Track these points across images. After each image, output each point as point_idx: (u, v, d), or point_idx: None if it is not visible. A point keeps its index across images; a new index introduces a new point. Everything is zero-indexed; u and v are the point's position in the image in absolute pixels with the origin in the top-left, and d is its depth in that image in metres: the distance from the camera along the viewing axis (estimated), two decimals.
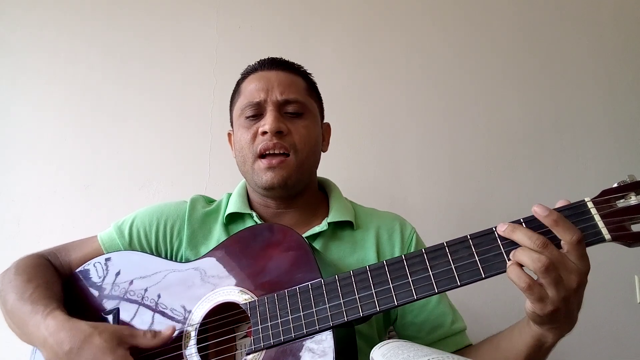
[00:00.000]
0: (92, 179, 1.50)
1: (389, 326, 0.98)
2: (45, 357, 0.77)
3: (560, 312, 0.64)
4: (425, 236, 1.03)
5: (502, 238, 0.68)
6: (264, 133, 0.91)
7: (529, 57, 1.64)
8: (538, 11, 1.67)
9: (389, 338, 0.98)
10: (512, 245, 0.67)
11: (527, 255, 0.63)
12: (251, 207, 0.99)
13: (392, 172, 1.54)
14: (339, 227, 0.97)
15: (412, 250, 0.96)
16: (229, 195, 1.03)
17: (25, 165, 1.50)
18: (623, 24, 1.67)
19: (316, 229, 0.94)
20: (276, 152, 0.90)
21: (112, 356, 0.72)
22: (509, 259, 0.66)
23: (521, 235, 0.65)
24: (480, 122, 1.58)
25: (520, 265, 0.64)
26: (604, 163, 1.56)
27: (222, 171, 1.50)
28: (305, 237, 0.90)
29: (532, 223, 0.67)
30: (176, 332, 0.80)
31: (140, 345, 0.75)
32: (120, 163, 1.51)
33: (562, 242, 0.63)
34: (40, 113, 1.54)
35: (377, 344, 0.68)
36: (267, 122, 0.91)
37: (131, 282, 0.87)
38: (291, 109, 0.94)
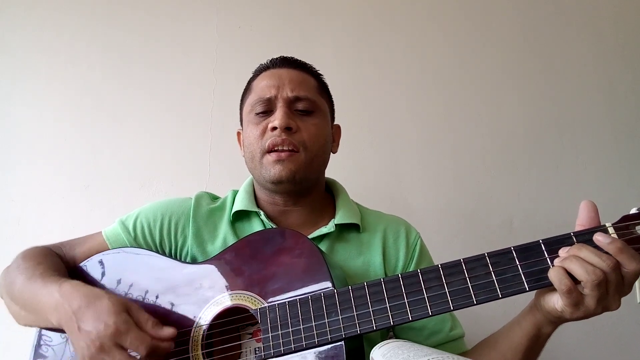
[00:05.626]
0: (92, 179, 1.49)
1: (390, 329, 0.98)
2: (56, 320, 0.77)
3: (584, 319, 0.67)
4: (425, 237, 1.03)
5: (520, 258, 0.68)
6: (274, 128, 0.90)
7: (529, 57, 1.64)
8: (538, 12, 1.67)
9: (389, 339, 0.98)
10: (530, 267, 0.67)
11: (581, 266, 0.63)
12: (258, 205, 0.98)
13: (392, 173, 1.54)
14: (345, 229, 0.96)
15: (416, 255, 0.96)
16: (234, 192, 1.02)
17: (25, 165, 1.50)
18: (623, 24, 1.67)
19: (323, 230, 0.94)
20: (285, 148, 0.89)
21: (115, 317, 0.72)
22: (552, 265, 0.67)
23: (588, 254, 0.64)
24: (480, 122, 1.58)
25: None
26: (604, 163, 1.56)
27: (222, 171, 1.50)
28: (312, 238, 0.90)
29: (581, 237, 0.67)
30: (183, 335, 0.80)
31: (139, 325, 0.74)
32: (120, 163, 1.51)
33: (622, 269, 0.64)
34: (40, 113, 1.53)
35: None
36: (277, 118, 0.90)
37: (136, 281, 0.87)
38: (301, 106, 0.94)
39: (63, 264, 0.91)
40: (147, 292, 0.85)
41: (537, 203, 1.51)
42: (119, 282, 0.88)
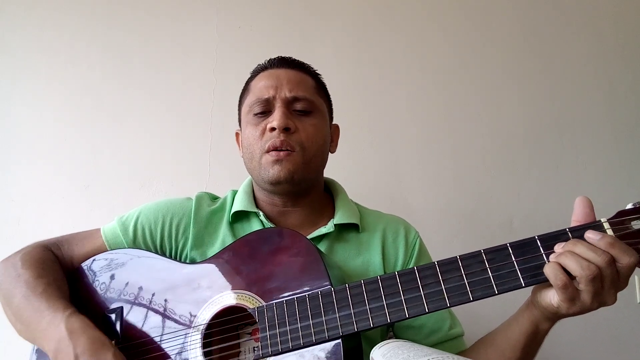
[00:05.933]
0: (92, 179, 1.49)
1: (390, 328, 0.98)
2: (52, 353, 0.76)
3: (580, 314, 0.67)
4: (425, 237, 1.03)
5: (516, 254, 0.68)
6: (272, 129, 0.90)
7: (529, 57, 1.64)
8: (538, 12, 1.67)
9: (388, 338, 0.98)
10: (526, 263, 0.67)
11: (576, 261, 0.63)
12: (257, 205, 0.98)
13: (392, 173, 1.54)
14: (344, 228, 0.96)
15: (415, 255, 0.97)
16: (234, 192, 1.02)
17: (25, 165, 1.50)
18: (623, 24, 1.67)
19: (322, 230, 0.94)
20: (283, 149, 0.90)
21: None
22: (547, 261, 0.66)
23: (583, 249, 0.64)
24: (480, 122, 1.58)
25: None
26: (604, 163, 1.56)
27: (222, 171, 1.50)
28: (311, 238, 0.90)
29: (577, 232, 0.67)
30: (182, 335, 0.80)
31: None
32: (120, 163, 1.51)
33: (617, 264, 0.64)
34: (40, 113, 1.53)
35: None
36: (275, 118, 0.90)
37: (136, 282, 0.87)
38: (299, 106, 0.94)
39: (63, 272, 0.90)
40: (146, 292, 0.86)
41: (537, 203, 1.51)
42: (118, 283, 0.88)
